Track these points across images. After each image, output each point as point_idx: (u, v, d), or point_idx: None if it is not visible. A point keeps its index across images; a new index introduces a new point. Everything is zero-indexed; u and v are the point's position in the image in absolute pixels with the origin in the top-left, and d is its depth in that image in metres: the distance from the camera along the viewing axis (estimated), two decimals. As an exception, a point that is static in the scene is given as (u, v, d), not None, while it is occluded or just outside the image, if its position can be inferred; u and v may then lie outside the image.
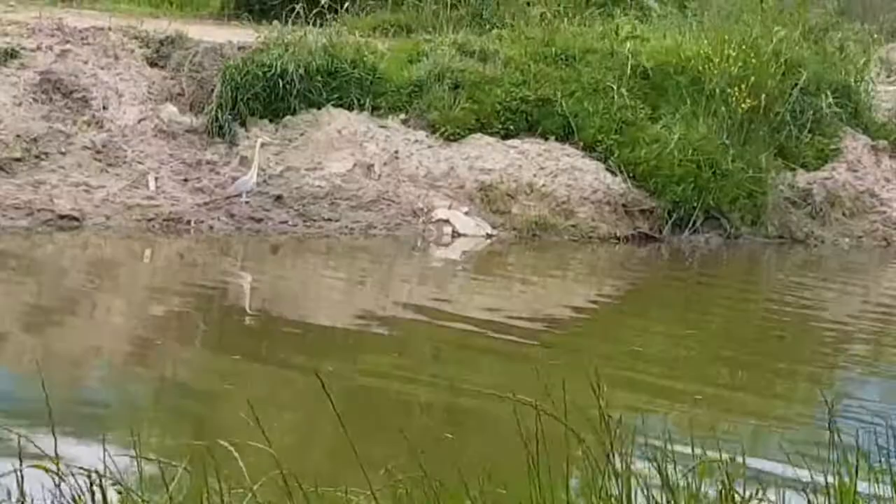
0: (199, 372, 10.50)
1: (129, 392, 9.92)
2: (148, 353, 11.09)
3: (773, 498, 4.59)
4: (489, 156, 18.53)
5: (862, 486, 4.50)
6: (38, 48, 18.26)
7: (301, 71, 18.15)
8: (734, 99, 19.06)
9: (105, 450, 4.07)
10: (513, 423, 4.25)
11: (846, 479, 4.45)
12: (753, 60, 19.64)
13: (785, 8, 21.99)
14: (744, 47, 19.85)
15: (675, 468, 4.44)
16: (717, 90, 19.27)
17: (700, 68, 19.42)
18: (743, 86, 19.11)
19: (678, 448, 4.56)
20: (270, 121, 18.20)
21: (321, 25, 19.85)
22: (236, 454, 4.05)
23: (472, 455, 4.88)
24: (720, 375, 11.34)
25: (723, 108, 19.20)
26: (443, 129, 18.57)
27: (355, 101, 18.56)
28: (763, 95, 19.38)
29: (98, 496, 3.97)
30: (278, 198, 17.40)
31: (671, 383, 10.56)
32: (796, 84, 19.83)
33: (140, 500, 4.00)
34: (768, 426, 9.13)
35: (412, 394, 9.84)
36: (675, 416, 8.96)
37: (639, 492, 4.36)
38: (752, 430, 8.34)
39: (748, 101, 18.96)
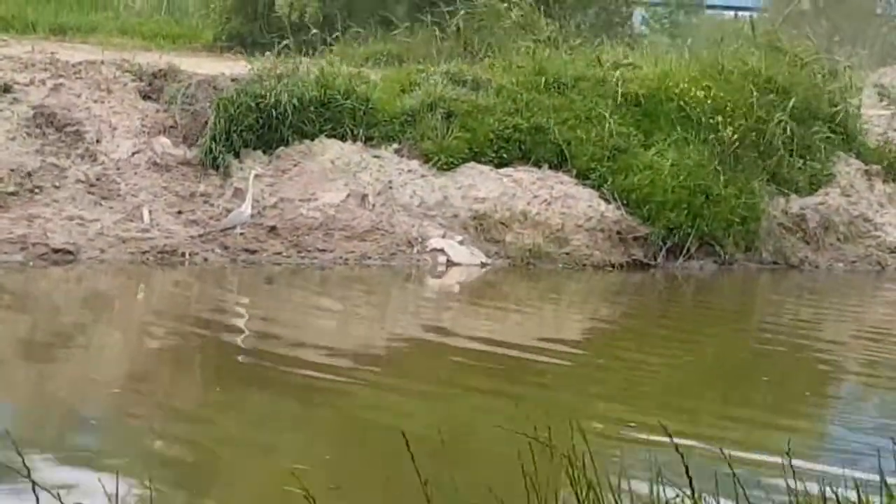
0: (192, 404, 10.47)
1: (123, 424, 9.89)
2: (141, 386, 11.06)
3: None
4: (483, 185, 18.56)
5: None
6: (31, 82, 18.31)
7: (294, 102, 18.20)
8: (723, 125, 19.14)
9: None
10: (510, 453, 4.24)
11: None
12: (741, 87, 19.74)
13: (774, 34, 22.10)
14: (731, 74, 19.96)
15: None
16: (704, 117, 19.34)
17: (689, 95, 19.50)
18: (731, 112, 19.20)
19: (671, 477, 4.55)
20: (264, 152, 18.24)
21: (313, 56, 19.94)
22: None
23: (468, 485, 4.89)
24: (714, 403, 11.34)
25: (713, 135, 19.26)
26: (436, 159, 18.60)
27: (348, 132, 18.60)
28: (752, 121, 19.46)
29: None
30: (272, 229, 17.42)
31: (665, 409, 10.54)
32: (785, 110, 19.88)
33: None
34: (761, 455, 9.12)
35: (407, 422, 9.82)
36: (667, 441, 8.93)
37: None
38: (745, 459, 8.32)
39: (733, 127, 19.05)
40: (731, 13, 34.72)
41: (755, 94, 19.76)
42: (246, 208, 17.07)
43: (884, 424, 9.58)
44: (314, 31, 21.43)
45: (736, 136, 19.17)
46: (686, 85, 19.67)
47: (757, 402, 11.22)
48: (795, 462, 4.63)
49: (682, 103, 19.57)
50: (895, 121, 22.73)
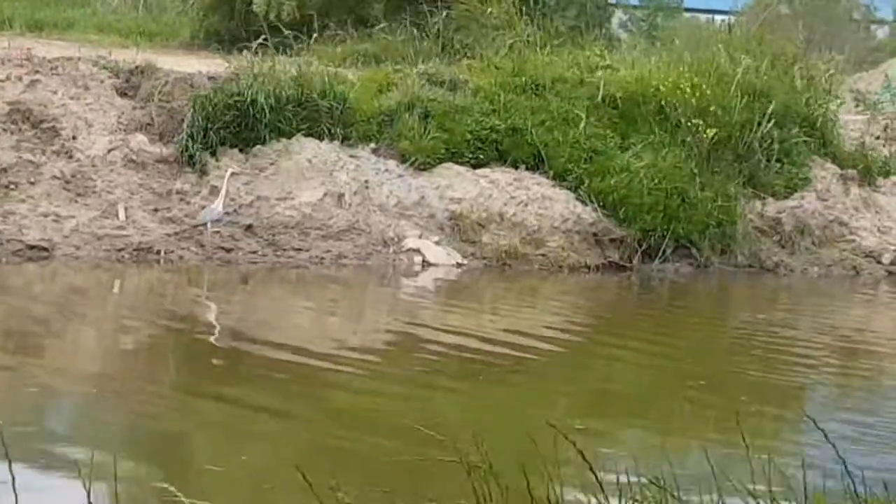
0: (164, 404, 10.44)
1: (93, 425, 9.86)
2: (113, 385, 11.03)
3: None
4: (459, 185, 18.56)
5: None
6: (8, 78, 18.23)
7: (271, 101, 18.15)
8: (700, 128, 19.18)
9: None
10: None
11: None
12: (720, 90, 19.79)
13: (752, 38, 22.16)
14: (710, 77, 20.00)
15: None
16: (683, 120, 19.38)
17: (667, 98, 19.53)
18: (709, 115, 19.25)
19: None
20: (241, 150, 18.18)
21: (291, 56, 19.90)
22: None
23: (441, 485, 4.89)
24: (685, 406, 11.36)
25: (690, 138, 19.31)
26: (413, 159, 18.59)
27: (325, 131, 18.56)
28: (730, 125, 19.52)
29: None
30: (248, 227, 17.38)
31: (637, 413, 10.57)
32: (764, 114, 19.93)
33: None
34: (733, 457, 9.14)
35: (382, 423, 9.82)
36: (638, 441, 8.96)
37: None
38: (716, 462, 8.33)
39: (710, 130, 19.11)
40: (708, 16, 34.80)
41: (739, 96, 19.81)
42: (217, 204, 17.02)
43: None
44: (291, 30, 21.35)
45: (713, 139, 19.21)
46: (664, 87, 19.70)
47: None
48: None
49: (659, 106, 19.61)
50: (871, 125, 22.82)
